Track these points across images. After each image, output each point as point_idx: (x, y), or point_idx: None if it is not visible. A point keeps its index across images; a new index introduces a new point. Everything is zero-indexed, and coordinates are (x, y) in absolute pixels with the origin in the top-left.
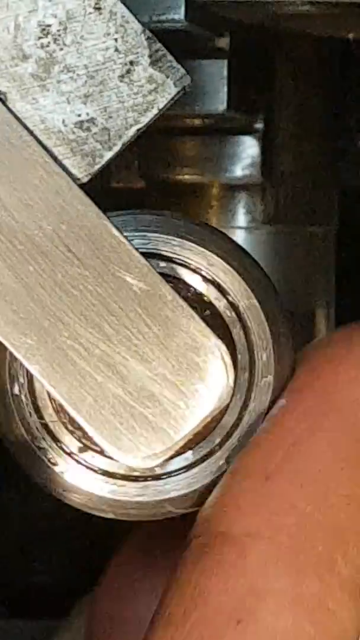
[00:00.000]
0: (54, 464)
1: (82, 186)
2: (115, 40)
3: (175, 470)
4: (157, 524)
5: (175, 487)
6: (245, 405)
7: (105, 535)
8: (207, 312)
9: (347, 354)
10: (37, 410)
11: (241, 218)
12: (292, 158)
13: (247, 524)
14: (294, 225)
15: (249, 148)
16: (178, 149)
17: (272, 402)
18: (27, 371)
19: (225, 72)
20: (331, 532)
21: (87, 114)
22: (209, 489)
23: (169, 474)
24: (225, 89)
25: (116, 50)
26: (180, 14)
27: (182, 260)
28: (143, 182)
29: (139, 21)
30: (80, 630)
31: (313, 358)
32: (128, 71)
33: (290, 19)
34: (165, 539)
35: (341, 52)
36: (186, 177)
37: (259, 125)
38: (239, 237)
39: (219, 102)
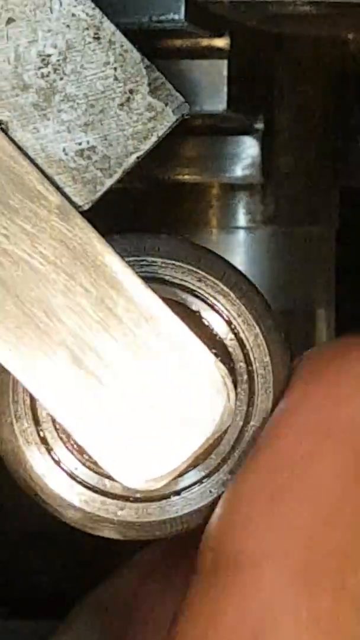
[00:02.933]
0: (55, 485)
1: (83, 213)
2: (115, 69)
3: (179, 490)
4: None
5: (179, 506)
6: (246, 423)
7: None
8: (208, 335)
9: (340, 369)
10: (39, 428)
11: (241, 218)
12: (292, 158)
13: (258, 545)
14: (294, 225)
15: (249, 148)
16: (178, 149)
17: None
18: (29, 392)
19: (225, 72)
20: (340, 550)
21: (88, 142)
22: (213, 506)
23: (172, 494)
24: (225, 89)
25: (115, 79)
26: (180, 14)
27: (183, 284)
28: (143, 182)
29: (137, 49)
30: (80, 631)
31: (306, 372)
32: (127, 99)
33: (290, 19)
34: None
35: (341, 52)
36: (186, 177)
37: (259, 125)
38: (239, 237)
39: (219, 102)
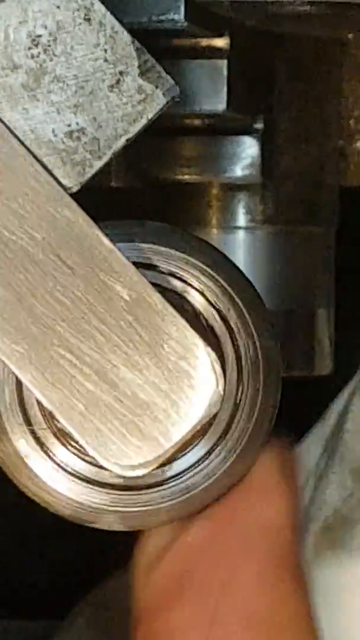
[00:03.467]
0: (43, 473)
1: (72, 195)
2: (105, 50)
3: (173, 476)
4: None
5: (172, 493)
6: (234, 413)
7: (105, 535)
8: (197, 321)
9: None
10: (26, 417)
11: (241, 218)
12: (292, 158)
13: None
14: (294, 225)
15: (249, 148)
16: (178, 149)
17: (261, 407)
18: (17, 379)
19: (225, 72)
20: None
21: (77, 123)
22: (207, 489)
23: (165, 481)
24: (225, 89)
25: (106, 60)
26: (180, 14)
27: (174, 271)
28: (143, 182)
29: (128, 32)
30: (81, 630)
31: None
32: (117, 81)
33: (290, 19)
34: None
35: (341, 52)
36: (186, 177)
37: (259, 125)
38: (239, 237)
39: (219, 102)
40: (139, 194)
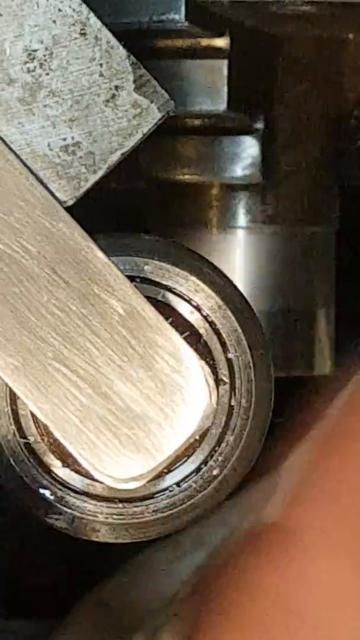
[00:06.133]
0: (37, 485)
1: (67, 209)
2: (101, 65)
3: (166, 488)
4: None
5: (165, 505)
6: (226, 425)
7: None
8: (190, 334)
9: None
10: (20, 430)
11: (241, 218)
12: (292, 158)
13: (302, 517)
14: (294, 225)
15: (249, 148)
16: (178, 149)
17: (254, 418)
18: (10, 391)
19: (225, 72)
20: None
21: (73, 138)
22: (201, 501)
23: (158, 493)
24: (225, 89)
25: (101, 75)
26: (180, 14)
27: (168, 285)
28: (143, 182)
29: (123, 47)
30: (80, 630)
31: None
32: (113, 96)
33: (290, 19)
34: None
35: (341, 52)
36: (186, 177)
37: (259, 125)
38: (239, 237)
39: (219, 102)
40: (139, 194)
